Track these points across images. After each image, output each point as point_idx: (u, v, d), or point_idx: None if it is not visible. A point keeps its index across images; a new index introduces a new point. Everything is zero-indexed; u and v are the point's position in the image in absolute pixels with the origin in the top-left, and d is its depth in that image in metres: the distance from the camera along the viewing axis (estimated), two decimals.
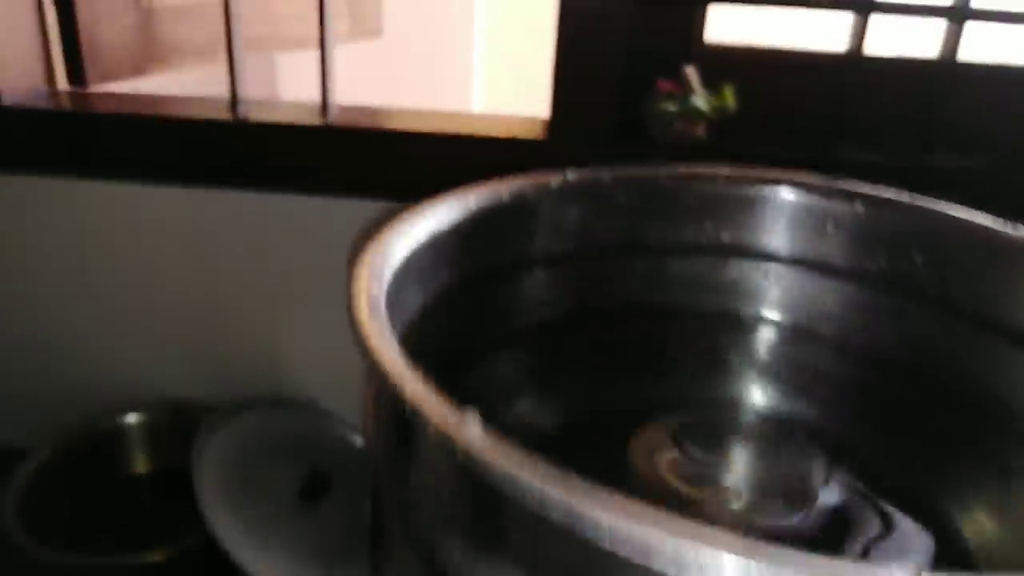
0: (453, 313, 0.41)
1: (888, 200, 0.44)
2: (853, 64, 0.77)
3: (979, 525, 0.41)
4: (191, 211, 0.75)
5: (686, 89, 0.77)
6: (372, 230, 0.34)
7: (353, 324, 0.28)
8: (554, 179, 0.43)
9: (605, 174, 0.44)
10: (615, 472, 0.43)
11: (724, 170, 0.45)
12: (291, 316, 0.78)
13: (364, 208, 0.74)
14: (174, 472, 0.75)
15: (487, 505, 0.24)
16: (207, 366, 0.80)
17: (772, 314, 0.47)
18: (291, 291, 0.77)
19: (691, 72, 0.77)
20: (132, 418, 0.77)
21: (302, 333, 0.78)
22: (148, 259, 0.77)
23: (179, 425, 0.77)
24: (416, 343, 0.38)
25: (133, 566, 0.68)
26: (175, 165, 0.76)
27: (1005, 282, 0.42)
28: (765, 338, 0.48)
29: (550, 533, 0.23)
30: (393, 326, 0.32)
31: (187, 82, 0.92)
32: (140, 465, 0.78)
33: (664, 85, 0.78)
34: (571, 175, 0.43)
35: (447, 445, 0.23)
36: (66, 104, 0.76)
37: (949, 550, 0.40)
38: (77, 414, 0.76)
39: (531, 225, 0.43)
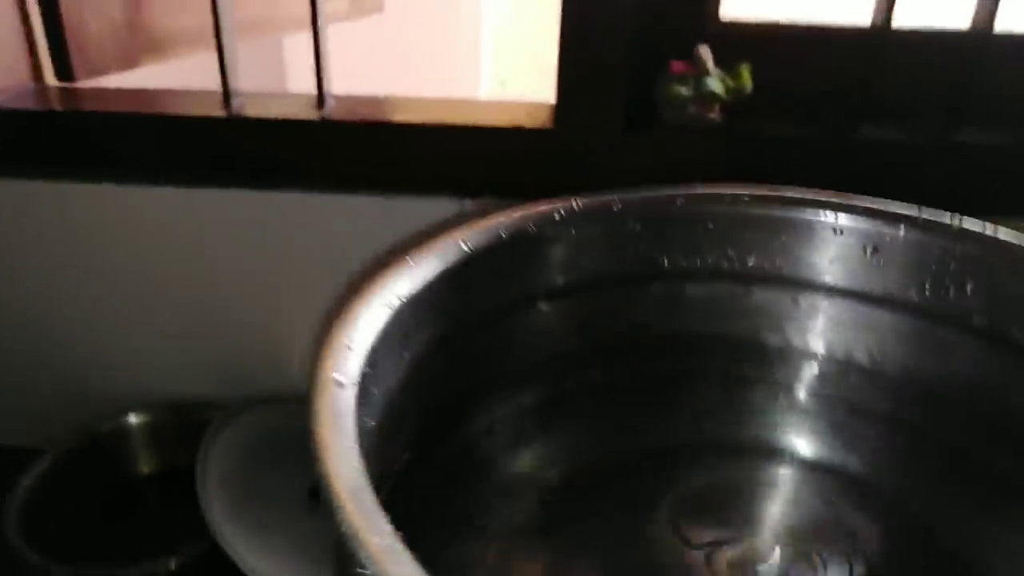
0: (449, 361, 0.35)
1: (933, 223, 0.37)
2: (879, 37, 0.69)
3: None
4: (189, 210, 0.69)
5: (700, 70, 0.70)
6: (347, 292, 0.28)
7: (312, 441, 0.22)
8: (558, 208, 0.37)
9: (614, 201, 0.38)
10: (625, 526, 0.38)
11: (746, 191, 0.39)
12: (294, 312, 0.73)
13: (364, 203, 0.68)
14: (179, 472, 0.71)
15: None
16: (210, 365, 0.75)
17: (802, 345, 0.41)
18: (293, 287, 0.72)
19: (705, 52, 0.70)
20: (135, 418, 0.73)
21: (305, 329, 0.73)
22: (146, 259, 0.71)
23: (183, 424, 0.73)
24: (404, 402, 0.32)
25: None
26: (170, 163, 0.70)
27: None
28: (793, 370, 0.42)
29: None
30: (368, 414, 0.26)
31: (186, 69, 0.85)
32: (144, 466, 0.74)
33: (677, 66, 0.70)
34: (576, 203, 0.37)
35: None
36: (53, 103, 0.70)
37: None
38: (79, 414, 0.73)
39: (533, 260, 0.37)
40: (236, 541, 0.64)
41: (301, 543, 0.66)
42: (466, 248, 0.33)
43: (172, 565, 0.63)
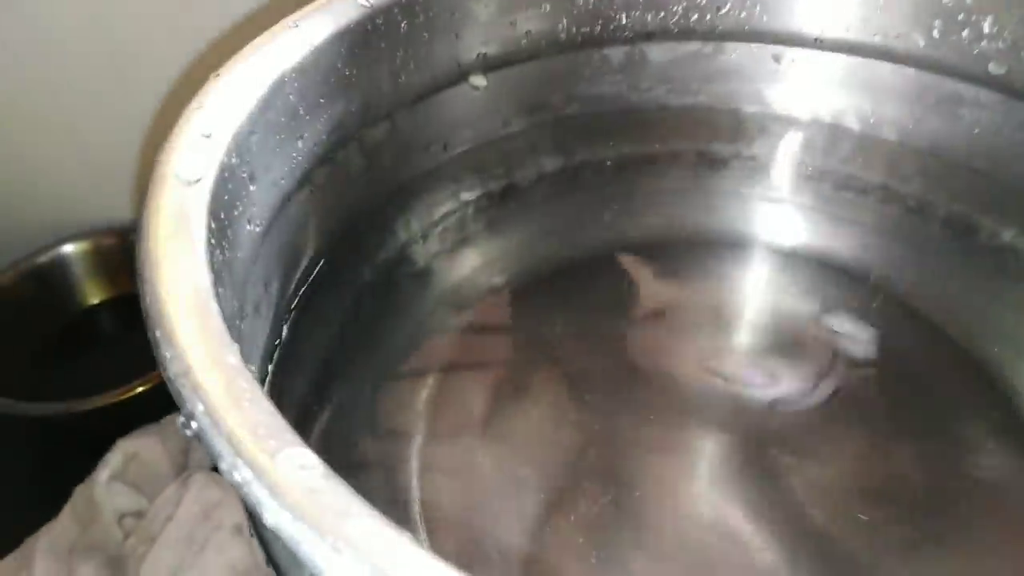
0: (367, 152, 0.29)
1: None
2: None
3: None
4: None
5: None
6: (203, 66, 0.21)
7: (138, 251, 0.16)
8: None
9: None
10: (587, 330, 0.33)
11: None
12: None
13: None
14: (130, 298, 0.66)
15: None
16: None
17: (784, 112, 0.35)
18: None
19: None
20: (73, 247, 0.67)
21: None
22: (58, 71, 0.63)
23: (127, 248, 0.67)
24: (309, 201, 0.26)
25: (110, 405, 0.61)
26: None
27: None
28: (773, 143, 0.36)
29: None
30: (247, 216, 0.20)
31: None
32: (93, 296, 0.69)
33: None
34: None
35: (245, 491, 0.13)
36: None
37: (1005, 406, 0.31)
38: (10, 251, 0.66)
39: (457, 21, 0.30)
40: None
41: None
42: (366, 4, 0.26)
43: (136, 390, 0.60)
